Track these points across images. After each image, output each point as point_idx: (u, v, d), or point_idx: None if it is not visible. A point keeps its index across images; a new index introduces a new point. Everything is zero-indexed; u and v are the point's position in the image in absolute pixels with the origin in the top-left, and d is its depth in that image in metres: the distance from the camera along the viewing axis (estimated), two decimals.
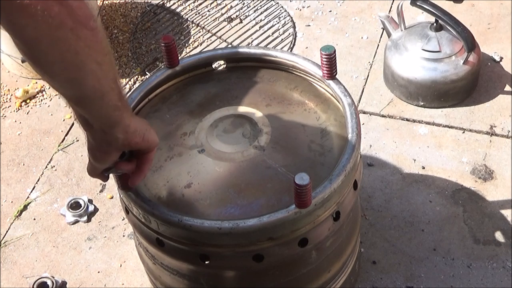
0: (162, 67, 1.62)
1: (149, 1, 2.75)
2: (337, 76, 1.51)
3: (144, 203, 1.33)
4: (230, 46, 2.52)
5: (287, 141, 1.45)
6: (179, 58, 1.58)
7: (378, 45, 2.49)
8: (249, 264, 1.37)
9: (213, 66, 1.63)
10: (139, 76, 2.45)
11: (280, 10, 2.67)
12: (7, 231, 2.05)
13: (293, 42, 2.54)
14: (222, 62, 1.64)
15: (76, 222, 2.05)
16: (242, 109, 1.52)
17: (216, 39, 2.58)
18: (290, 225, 1.31)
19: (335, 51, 1.46)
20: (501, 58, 2.39)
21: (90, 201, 2.09)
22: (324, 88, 1.55)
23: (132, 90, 1.55)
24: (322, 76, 1.51)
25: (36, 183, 2.16)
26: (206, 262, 1.37)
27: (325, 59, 1.47)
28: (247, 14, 2.67)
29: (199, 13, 2.69)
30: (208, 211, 1.35)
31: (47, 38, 0.94)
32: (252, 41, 2.55)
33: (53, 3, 0.92)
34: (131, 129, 1.13)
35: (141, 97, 1.54)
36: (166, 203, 1.37)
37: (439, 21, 2.19)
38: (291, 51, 2.49)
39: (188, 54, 2.49)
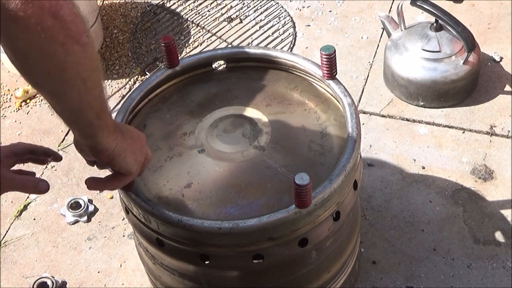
0: (162, 67, 1.62)
1: (149, 1, 2.75)
2: (337, 76, 1.51)
3: (144, 203, 1.33)
4: (230, 46, 2.52)
5: (287, 141, 1.45)
6: (179, 58, 1.58)
7: (378, 45, 2.49)
8: (249, 264, 1.37)
9: (213, 66, 1.63)
10: (139, 76, 2.46)
11: (280, 10, 2.67)
12: (7, 231, 2.05)
13: (293, 42, 2.54)
14: (222, 62, 1.64)
15: (76, 222, 2.05)
16: (242, 109, 1.52)
17: (216, 39, 2.58)
18: (290, 225, 1.31)
19: (335, 51, 1.46)
20: (501, 58, 2.39)
21: (90, 201, 2.09)
22: (324, 88, 1.55)
23: (132, 90, 1.55)
24: (322, 76, 1.51)
25: None
26: (206, 262, 1.37)
27: (325, 59, 1.47)
28: (247, 14, 2.67)
29: (199, 13, 2.69)
30: (208, 211, 1.35)
31: (36, 52, 0.93)
32: (252, 41, 2.55)
33: (47, 17, 0.91)
34: (99, 147, 1.12)
35: (141, 97, 1.55)
36: (166, 203, 1.37)
37: (439, 21, 2.19)
38: (291, 51, 2.49)
39: (188, 54, 2.49)
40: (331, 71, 1.48)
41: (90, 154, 1.15)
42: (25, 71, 0.98)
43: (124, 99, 1.53)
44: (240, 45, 2.51)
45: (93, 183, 1.23)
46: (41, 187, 1.18)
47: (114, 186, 1.24)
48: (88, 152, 1.16)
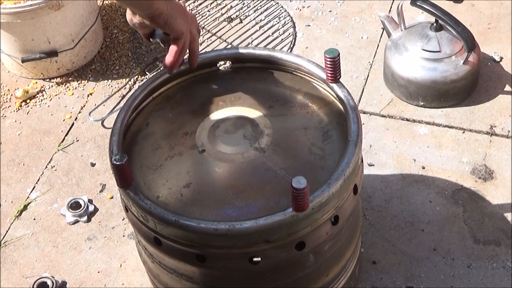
0: (163, 67, 1.62)
1: None
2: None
3: (142, 202, 1.33)
4: (231, 46, 2.52)
5: (288, 143, 1.45)
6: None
7: (378, 45, 2.49)
8: (245, 266, 1.37)
9: (218, 66, 1.63)
10: (139, 76, 2.45)
11: (280, 10, 2.67)
12: (7, 231, 2.05)
13: (293, 42, 2.54)
14: (226, 62, 1.64)
15: (76, 222, 2.05)
16: (245, 110, 1.52)
17: (216, 39, 2.58)
18: (287, 228, 1.31)
19: (339, 54, 1.45)
20: (501, 58, 2.39)
21: (90, 201, 2.09)
22: (328, 91, 1.55)
23: (137, 88, 1.55)
24: (325, 79, 1.50)
25: (36, 183, 2.17)
26: (203, 263, 1.38)
27: (329, 63, 1.46)
28: (247, 14, 2.67)
29: (199, 13, 2.69)
30: (206, 211, 1.35)
31: None
32: (252, 41, 2.55)
33: None
34: (156, 13, 1.35)
35: (145, 95, 1.55)
36: (164, 202, 1.37)
37: (439, 21, 2.19)
38: (291, 51, 2.49)
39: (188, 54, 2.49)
40: (335, 74, 1.48)
41: (148, 21, 1.38)
42: None
43: (127, 96, 1.53)
44: (245, 46, 2.51)
45: (167, 61, 1.45)
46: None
47: (177, 51, 1.45)
48: (145, 21, 1.38)
